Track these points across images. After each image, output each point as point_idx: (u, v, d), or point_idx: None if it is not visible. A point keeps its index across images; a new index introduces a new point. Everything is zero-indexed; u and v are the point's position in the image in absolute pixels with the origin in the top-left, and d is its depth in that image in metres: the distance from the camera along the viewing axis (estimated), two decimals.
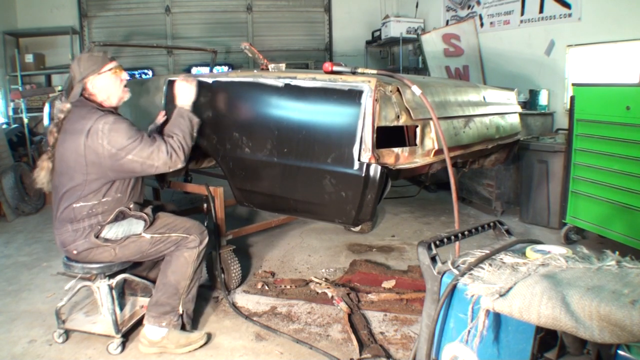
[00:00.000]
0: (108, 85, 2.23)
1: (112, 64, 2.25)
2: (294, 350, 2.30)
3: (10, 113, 6.41)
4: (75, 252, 2.21)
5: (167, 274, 2.29)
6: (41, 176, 2.24)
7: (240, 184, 2.50)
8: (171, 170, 2.20)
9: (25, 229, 4.37)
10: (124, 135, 2.09)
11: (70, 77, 2.29)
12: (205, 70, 6.42)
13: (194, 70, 6.87)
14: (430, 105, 2.03)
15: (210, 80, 2.57)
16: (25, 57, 6.58)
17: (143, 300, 2.57)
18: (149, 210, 2.30)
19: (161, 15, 7.48)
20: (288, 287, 2.94)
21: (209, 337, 2.39)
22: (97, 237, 2.17)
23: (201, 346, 2.32)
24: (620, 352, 1.10)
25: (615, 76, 4.35)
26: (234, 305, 2.72)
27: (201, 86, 2.55)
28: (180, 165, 2.19)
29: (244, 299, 2.83)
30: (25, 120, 6.03)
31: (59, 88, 5.87)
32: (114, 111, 2.24)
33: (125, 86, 2.31)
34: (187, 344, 2.29)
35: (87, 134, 2.07)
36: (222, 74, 3.39)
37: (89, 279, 2.39)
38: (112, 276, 2.36)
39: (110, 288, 2.35)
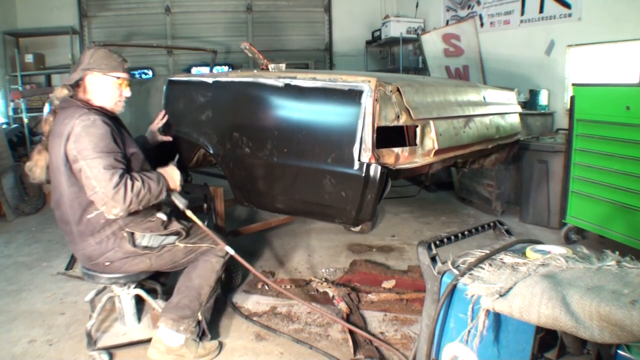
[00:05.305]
0: (105, 89, 2.12)
1: (122, 74, 2.14)
2: (294, 350, 2.29)
3: (10, 113, 6.42)
4: (107, 263, 2.11)
5: (191, 277, 2.22)
6: (37, 172, 2.15)
7: (240, 184, 2.50)
8: (101, 207, 1.92)
9: (25, 229, 4.37)
10: (92, 140, 1.92)
11: (77, 61, 2.18)
12: (205, 70, 6.42)
13: (194, 70, 6.87)
14: None
15: (210, 80, 2.57)
16: (25, 57, 6.58)
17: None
18: (176, 224, 2.23)
19: (161, 15, 7.48)
20: (288, 287, 2.94)
21: (221, 345, 2.33)
22: (134, 245, 2.09)
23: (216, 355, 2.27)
24: (620, 352, 1.10)
25: (615, 76, 4.35)
26: (234, 305, 2.72)
27: (201, 86, 2.55)
28: (114, 211, 1.91)
29: (244, 299, 2.83)
30: (25, 120, 6.04)
31: None
32: (100, 110, 2.07)
33: (123, 102, 2.21)
34: (205, 354, 2.22)
35: (67, 136, 1.95)
36: (222, 74, 3.39)
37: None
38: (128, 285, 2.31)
39: (134, 296, 2.35)
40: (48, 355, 2.30)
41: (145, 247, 2.13)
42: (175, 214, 2.30)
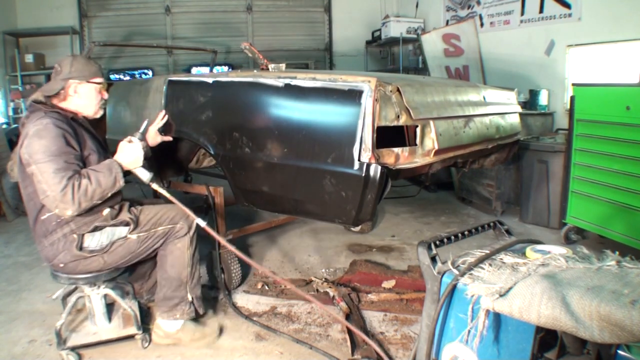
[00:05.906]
0: (90, 96, 2.21)
1: (102, 79, 2.24)
2: (294, 350, 2.30)
3: (10, 113, 6.43)
4: (61, 265, 2.13)
5: (166, 269, 2.27)
6: (16, 171, 2.18)
7: (240, 184, 2.50)
8: (55, 210, 1.94)
9: (25, 229, 4.36)
10: (43, 144, 1.94)
11: (55, 70, 2.20)
12: (205, 70, 6.42)
13: (194, 70, 6.88)
14: None
15: (210, 80, 2.57)
16: (25, 57, 6.59)
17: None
18: (125, 214, 2.19)
19: (161, 15, 7.48)
20: (288, 287, 2.94)
21: (221, 329, 2.43)
22: (80, 249, 2.08)
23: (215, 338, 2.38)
24: (620, 352, 1.10)
25: (615, 76, 4.35)
26: (234, 305, 2.72)
27: (201, 86, 2.55)
28: (67, 213, 1.94)
29: (244, 299, 2.83)
30: None
31: None
32: (60, 114, 2.09)
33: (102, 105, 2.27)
34: (201, 337, 2.34)
35: (22, 140, 1.99)
36: (222, 74, 3.39)
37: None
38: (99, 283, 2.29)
39: (104, 295, 2.32)
40: (48, 355, 2.30)
41: (92, 251, 2.12)
42: (129, 204, 2.28)
